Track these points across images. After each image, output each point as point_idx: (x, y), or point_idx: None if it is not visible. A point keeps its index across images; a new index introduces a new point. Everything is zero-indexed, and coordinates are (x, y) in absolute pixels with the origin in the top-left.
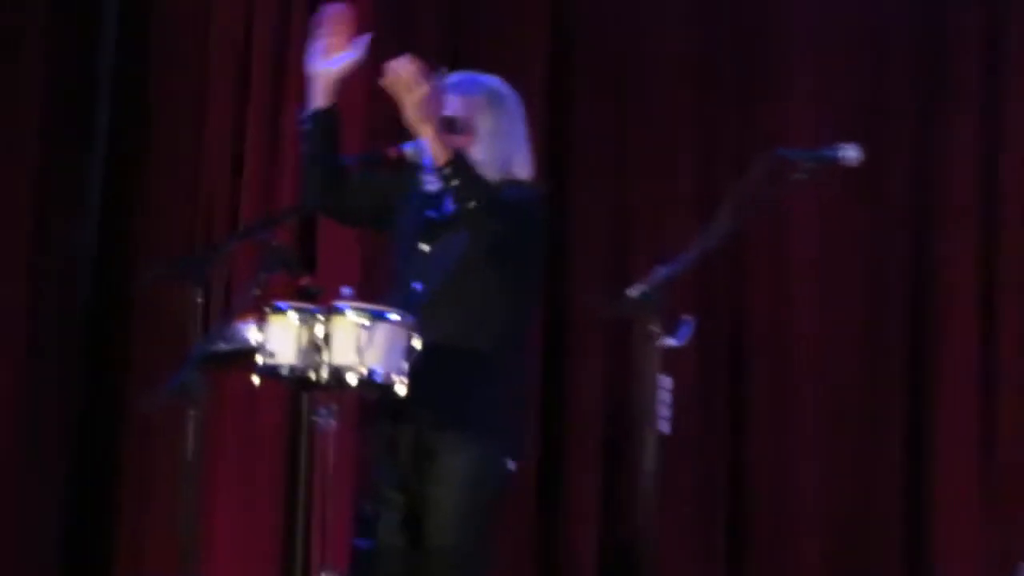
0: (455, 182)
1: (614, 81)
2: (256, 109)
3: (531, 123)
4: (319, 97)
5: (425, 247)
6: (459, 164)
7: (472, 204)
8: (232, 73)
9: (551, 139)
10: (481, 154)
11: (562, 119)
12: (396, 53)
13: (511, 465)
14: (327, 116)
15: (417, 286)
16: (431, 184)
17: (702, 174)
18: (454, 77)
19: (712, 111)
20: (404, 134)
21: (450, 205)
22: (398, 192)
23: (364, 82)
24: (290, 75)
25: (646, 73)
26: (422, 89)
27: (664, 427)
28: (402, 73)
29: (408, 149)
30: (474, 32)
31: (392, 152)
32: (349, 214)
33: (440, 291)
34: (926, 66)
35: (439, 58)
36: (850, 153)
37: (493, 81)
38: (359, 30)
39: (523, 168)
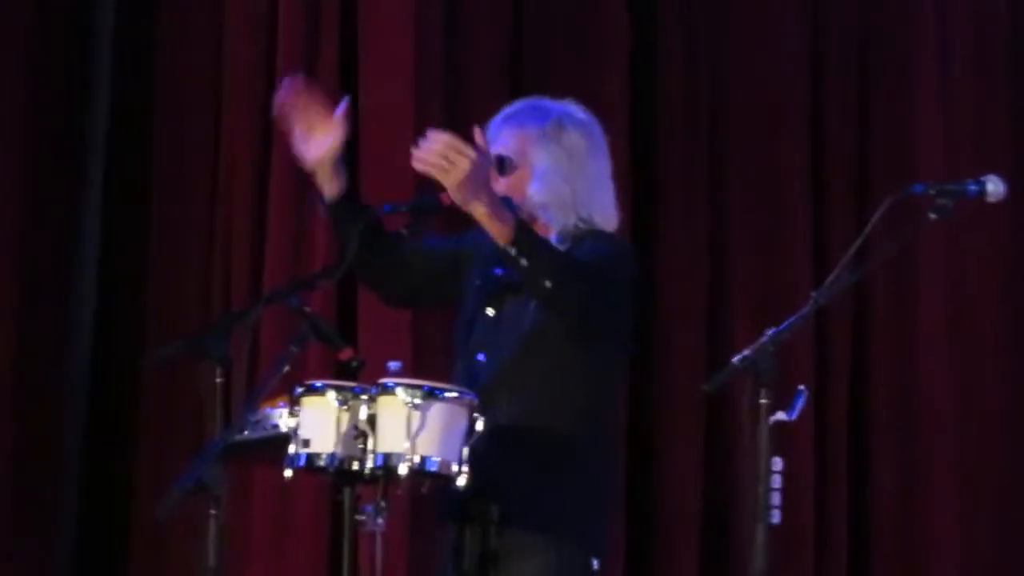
0: (523, 262)
1: (708, 99)
2: (280, 149)
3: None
4: (327, 189)
5: (491, 311)
6: (525, 239)
7: (548, 284)
8: (250, 108)
9: (633, 177)
10: (539, 195)
11: (645, 149)
12: (447, 79)
13: (595, 565)
14: (343, 206)
15: (481, 357)
16: None
17: (817, 216)
18: (512, 106)
19: (828, 138)
20: None
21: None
22: (471, 251)
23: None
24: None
25: (748, 89)
26: (464, 163)
27: (775, 518)
28: (435, 151)
29: None
30: (541, 49)
31: (445, 199)
32: (400, 289)
33: (510, 363)
34: None
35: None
36: (995, 186)
37: (561, 107)
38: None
39: (606, 213)
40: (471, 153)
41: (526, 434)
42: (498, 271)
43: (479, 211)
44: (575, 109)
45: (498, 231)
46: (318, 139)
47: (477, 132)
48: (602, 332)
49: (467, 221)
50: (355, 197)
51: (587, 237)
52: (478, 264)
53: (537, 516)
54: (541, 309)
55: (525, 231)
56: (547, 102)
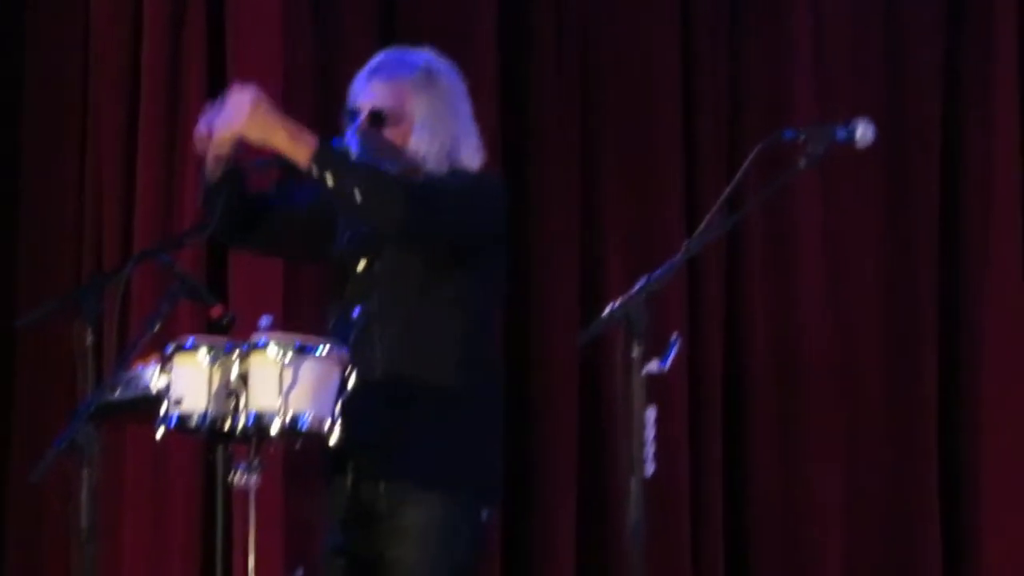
0: (328, 177)
1: (579, 50)
2: (149, 104)
3: (481, 108)
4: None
5: (362, 265)
6: (325, 155)
7: (358, 195)
8: (118, 69)
9: (503, 128)
10: (422, 146)
11: (517, 101)
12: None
13: (485, 514)
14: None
15: (355, 312)
16: None
17: (689, 164)
18: (375, 59)
19: (700, 84)
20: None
21: None
22: (331, 208)
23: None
24: (188, 75)
25: (618, 37)
26: (241, 111)
27: (649, 469)
28: (217, 126)
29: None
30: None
31: None
32: (273, 246)
33: (380, 312)
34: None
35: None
36: (864, 131)
37: (422, 56)
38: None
39: (472, 155)
40: (242, 96)
41: (403, 384)
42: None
43: (281, 141)
44: (435, 55)
45: (301, 154)
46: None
47: (235, 84)
48: (473, 262)
49: None
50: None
51: (448, 172)
52: (344, 222)
53: (420, 467)
54: (402, 251)
55: (326, 149)
56: (409, 51)
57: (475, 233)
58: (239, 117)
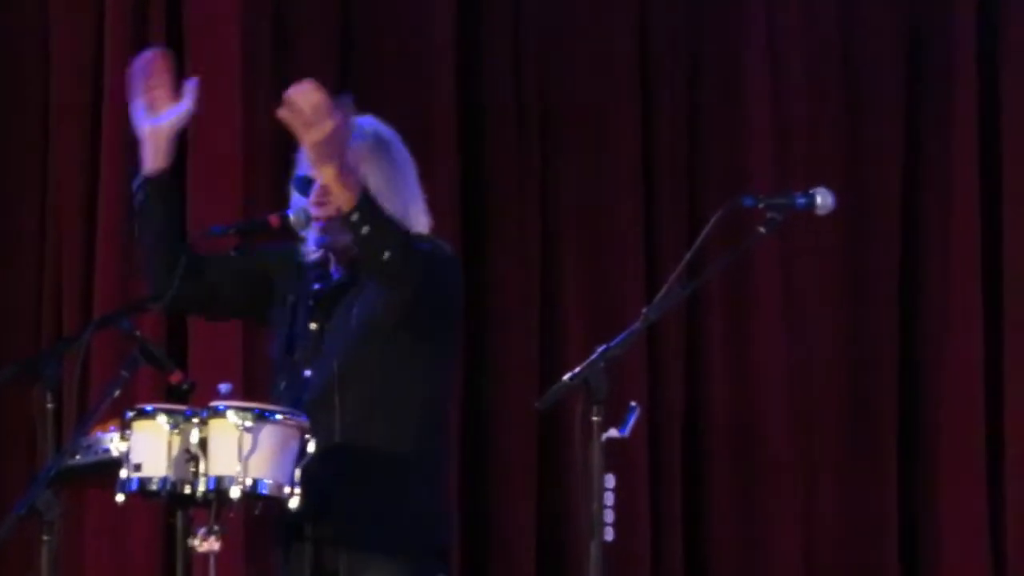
0: (365, 229)
1: (538, 111)
2: (110, 161)
3: (441, 177)
4: (151, 160)
5: (314, 325)
6: (368, 207)
7: (387, 255)
8: (79, 113)
9: (463, 189)
10: None
11: (476, 160)
12: (275, 79)
13: None
14: (162, 183)
15: (307, 373)
16: (313, 254)
17: (648, 229)
18: None
19: (659, 151)
20: (285, 198)
21: (338, 273)
22: (279, 268)
23: (237, 130)
24: None
25: (576, 102)
26: (328, 125)
27: (608, 535)
28: (305, 103)
29: (292, 216)
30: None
31: (274, 220)
32: (216, 305)
33: (338, 374)
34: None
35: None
36: (823, 199)
37: (370, 122)
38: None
39: (420, 221)
40: (337, 116)
41: (359, 448)
42: (317, 286)
43: (329, 174)
44: (378, 121)
45: (344, 198)
46: (163, 110)
47: (347, 98)
48: (432, 323)
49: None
50: (170, 181)
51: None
52: (286, 278)
53: (382, 536)
54: (372, 310)
55: (369, 200)
56: (359, 118)
57: (443, 305)
58: (317, 127)
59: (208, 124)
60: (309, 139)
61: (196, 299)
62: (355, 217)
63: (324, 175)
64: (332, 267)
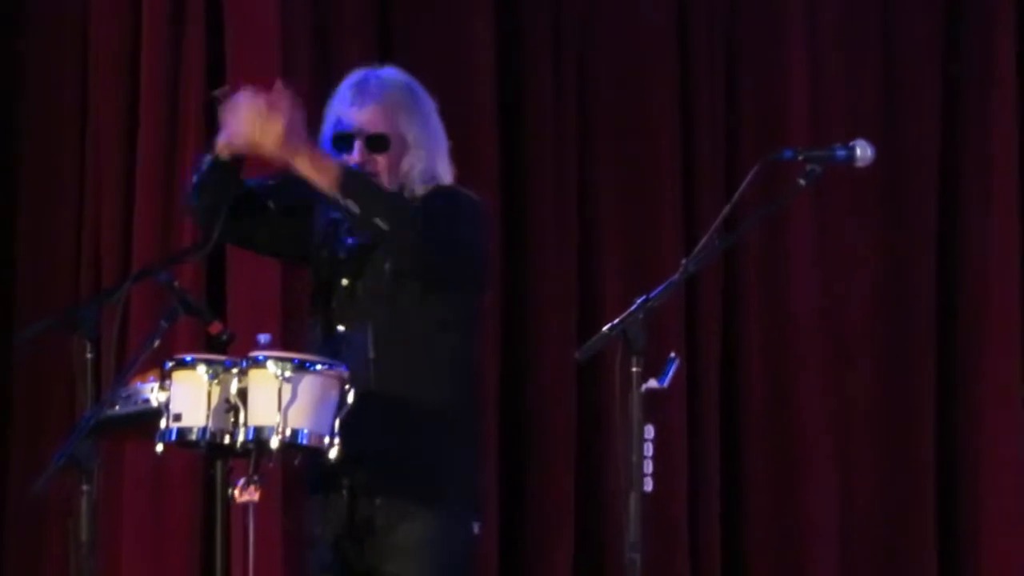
0: (354, 208)
1: (577, 73)
2: (148, 128)
3: (480, 128)
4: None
5: (346, 282)
6: (352, 183)
7: (383, 224)
8: (118, 91)
9: (501, 147)
10: (416, 165)
11: (515, 120)
12: (314, 81)
13: (477, 527)
14: (228, 165)
15: (342, 328)
16: None
17: (687, 183)
18: (354, 80)
19: (698, 105)
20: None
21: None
22: (308, 217)
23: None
24: (187, 88)
25: (616, 60)
26: (276, 122)
27: (648, 485)
28: (253, 111)
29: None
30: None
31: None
32: (267, 243)
33: (372, 331)
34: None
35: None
36: (863, 151)
37: (397, 74)
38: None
39: (447, 169)
40: (282, 109)
41: (398, 402)
42: (350, 240)
43: (304, 165)
44: (397, 71)
45: (325, 180)
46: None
47: (278, 84)
48: (457, 280)
49: None
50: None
51: (436, 194)
52: (322, 229)
53: (417, 484)
54: (396, 269)
55: (351, 174)
56: (383, 71)
57: (469, 256)
58: (272, 133)
59: None
60: (269, 145)
61: (239, 238)
62: (340, 197)
63: (300, 168)
64: None
